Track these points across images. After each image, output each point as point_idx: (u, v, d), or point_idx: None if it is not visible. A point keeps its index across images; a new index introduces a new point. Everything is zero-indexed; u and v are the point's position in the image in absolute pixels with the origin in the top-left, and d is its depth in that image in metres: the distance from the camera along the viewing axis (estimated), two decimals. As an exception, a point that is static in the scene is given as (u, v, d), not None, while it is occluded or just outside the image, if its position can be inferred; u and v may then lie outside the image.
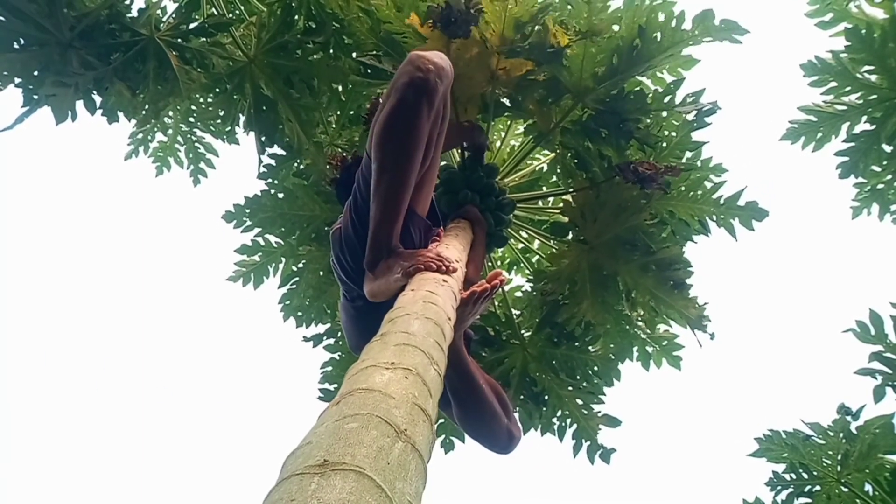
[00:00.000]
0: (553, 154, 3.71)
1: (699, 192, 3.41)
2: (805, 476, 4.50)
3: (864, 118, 4.00)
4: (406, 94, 1.99)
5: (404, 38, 3.14)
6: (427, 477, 1.03)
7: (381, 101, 3.52)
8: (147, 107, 3.64)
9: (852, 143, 4.08)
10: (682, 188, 3.43)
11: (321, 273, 3.87)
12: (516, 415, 3.43)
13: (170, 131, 4.45)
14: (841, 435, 4.45)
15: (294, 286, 3.95)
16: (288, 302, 3.98)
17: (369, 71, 3.48)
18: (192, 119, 4.35)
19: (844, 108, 4.02)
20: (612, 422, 3.57)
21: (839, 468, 4.43)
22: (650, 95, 3.23)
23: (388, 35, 3.22)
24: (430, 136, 2.13)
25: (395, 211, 2.05)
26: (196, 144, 4.53)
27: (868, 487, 4.32)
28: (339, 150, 3.75)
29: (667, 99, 3.22)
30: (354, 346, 2.63)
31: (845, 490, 4.39)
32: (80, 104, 3.44)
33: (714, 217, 3.41)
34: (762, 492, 4.62)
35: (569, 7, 3.09)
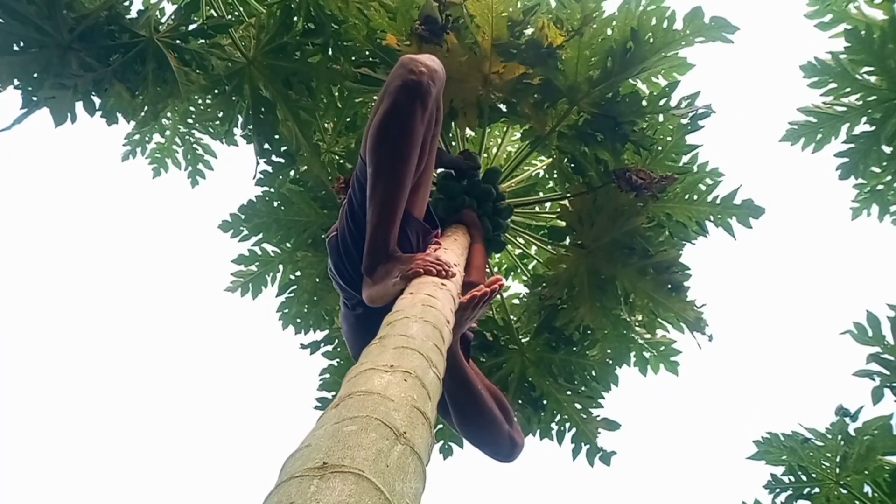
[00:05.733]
0: (550, 159, 3.72)
1: (695, 195, 3.42)
2: (804, 478, 4.50)
3: (864, 119, 4.00)
4: (399, 97, 1.99)
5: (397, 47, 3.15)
6: (426, 479, 1.03)
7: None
8: (146, 108, 3.63)
9: (852, 145, 4.09)
10: (678, 190, 3.44)
11: (318, 279, 3.87)
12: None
13: (167, 133, 4.45)
14: (839, 437, 4.45)
15: (292, 294, 3.96)
16: (286, 310, 3.99)
17: (367, 77, 3.49)
18: (190, 120, 4.35)
19: (844, 109, 4.03)
20: (612, 425, 3.57)
21: (838, 470, 4.43)
22: (645, 98, 3.24)
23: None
24: (425, 138, 2.12)
25: (391, 215, 2.05)
26: (194, 146, 4.52)
27: (867, 489, 4.32)
28: (337, 156, 3.76)
29: (662, 102, 3.22)
30: (356, 356, 2.60)
31: (844, 492, 4.39)
32: (79, 106, 3.44)
33: (711, 218, 3.41)
34: (761, 494, 4.62)
35: (566, 10, 3.10)
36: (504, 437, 2.25)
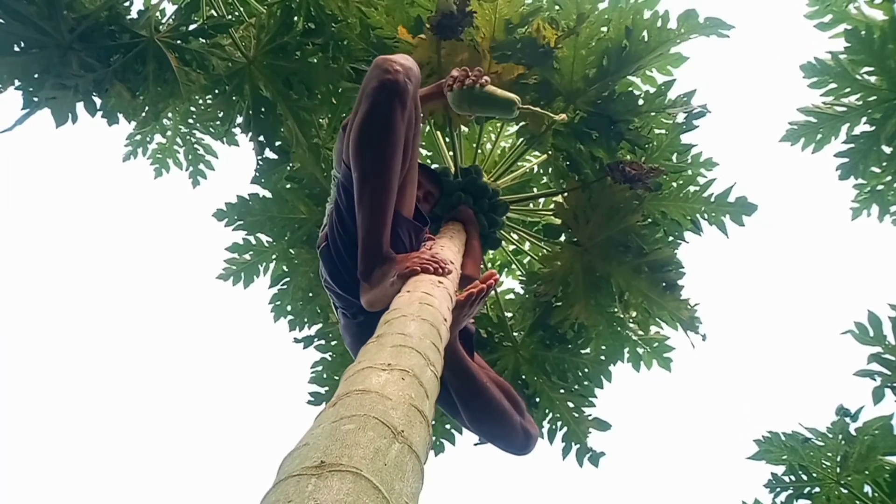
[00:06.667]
0: (545, 156, 3.72)
1: (690, 191, 3.43)
2: (804, 478, 4.50)
3: (864, 119, 4.01)
4: (378, 98, 1.97)
5: (395, 43, 3.15)
6: (424, 478, 1.03)
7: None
8: (147, 108, 3.64)
9: (852, 145, 4.09)
10: (674, 186, 3.45)
11: (311, 275, 3.85)
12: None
13: (168, 133, 4.45)
14: (840, 436, 4.45)
15: (285, 286, 3.93)
16: (279, 302, 3.95)
17: (361, 74, 3.49)
18: (191, 120, 4.35)
19: (844, 109, 4.03)
20: (603, 426, 3.58)
21: (838, 470, 4.43)
22: (641, 96, 3.24)
23: (379, 40, 3.23)
24: (406, 136, 2.11)
25: (382, 217, 2.03)
26: (195, 146, 4.53)
27: (867, 489, 4.32)
28: (331, 152, 3.75)
29: (658, 100, 3.23)
30: None
31: (845, 492, 4.39)
32: (80, 106, 3.45)
33: (706, 215, 3.42)
34: (761, 494, 4.62)
35: (556, 7, 3.10)
36: (517, 429, 2.23)
